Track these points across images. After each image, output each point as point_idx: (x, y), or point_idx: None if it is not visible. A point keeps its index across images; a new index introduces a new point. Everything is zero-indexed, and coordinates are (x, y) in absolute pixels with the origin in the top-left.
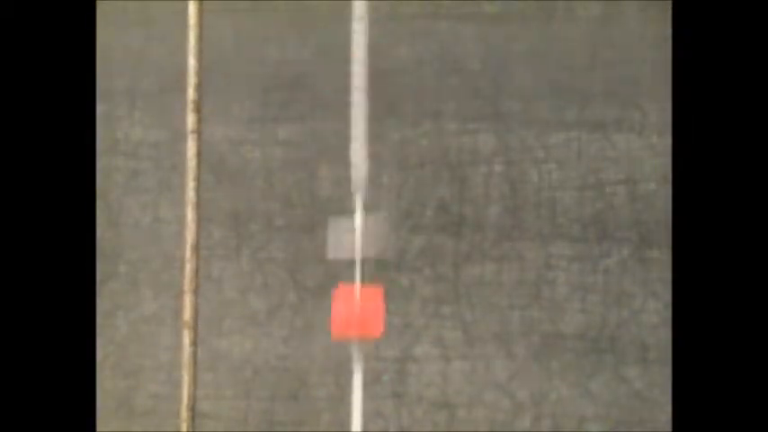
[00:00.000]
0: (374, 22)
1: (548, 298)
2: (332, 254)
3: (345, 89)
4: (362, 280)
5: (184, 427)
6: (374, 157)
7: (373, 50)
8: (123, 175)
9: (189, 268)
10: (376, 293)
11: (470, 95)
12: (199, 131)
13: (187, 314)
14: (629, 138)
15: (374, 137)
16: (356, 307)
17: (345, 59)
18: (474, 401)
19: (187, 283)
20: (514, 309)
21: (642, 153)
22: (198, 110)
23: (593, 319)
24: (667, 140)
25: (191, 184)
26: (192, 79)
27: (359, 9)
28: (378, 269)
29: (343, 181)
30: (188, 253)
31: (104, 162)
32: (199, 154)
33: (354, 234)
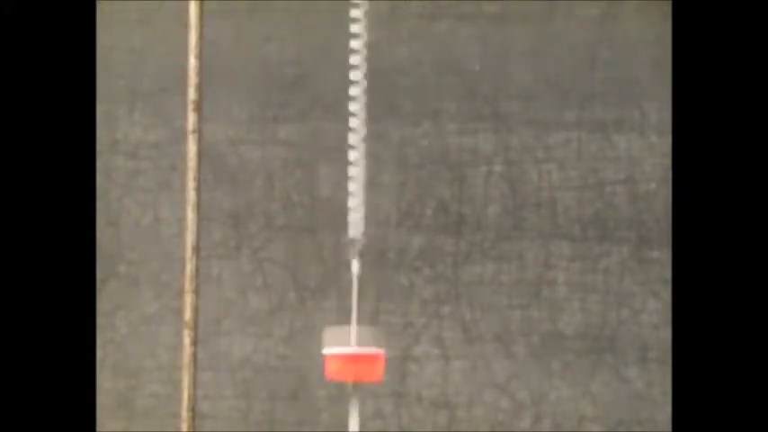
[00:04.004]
0: (374, 22)
1: (548, 298)
2: (327, 348)
3: (345, 89)
4: (360, 282)
5: (184, 427)
6: (374, 157)
7: (373, 50)
8: (123, 175)
9: (189, 268)
10: (374, 357)
11: (470, 95)
12: (199, 131)
13: (187, 314)
14: (629, 138)
15: (374, 137)
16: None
17: (345, 59)
18: (474, 401)
19: (187, 283)
20: (514, 309)
21: (642, 153)
22: (198, 110)
23: (593, 319)
24: (667, 140)
25: (191, 184)
26: (192, 79)
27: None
28: (377, 269)
29: (343, 181)
30: (188, 253)
31: (104, 162)
32: (199, 154)
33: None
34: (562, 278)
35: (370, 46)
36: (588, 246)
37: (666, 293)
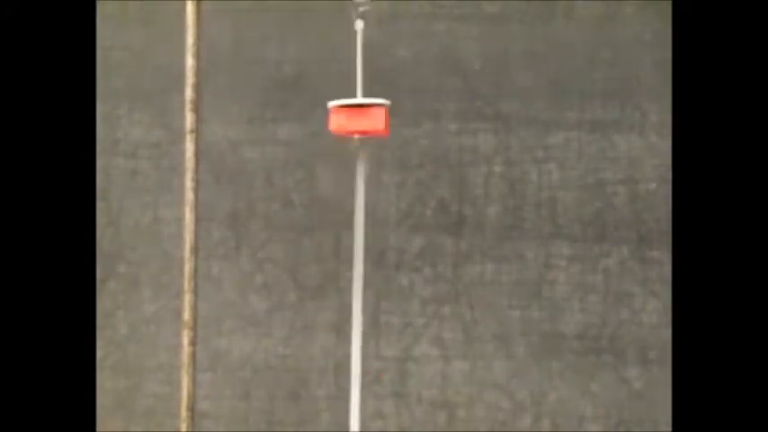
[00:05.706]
0: (374, 22)
1: (548, 298)
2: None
3: (345, 89)
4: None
5: (184, 427)
6: (374, 157)
7: (373, 50)
8: (123, 175)
9: (188, 268)
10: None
11: (470, 95)
12: (197, 131)
13: (187, 314)
14: (629, 138)
15: (374, 137)
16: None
17: (345, 59)
18: (474, 401)
19: (187, 283)
20: (514, 309)
21: (642, 153)
22: (196, 109)
23: (593, 319)
24: (667, 140)
25: (189, 184)
26: (189, 79)
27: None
28: (377, 269)
29: (343, 181)
30: (187, 253)
31: (104, 162)
32: (197, 154)
33: None
34: (562, 278)
35: (370, 46)
36: (588, 246)
37: (666, 293)
